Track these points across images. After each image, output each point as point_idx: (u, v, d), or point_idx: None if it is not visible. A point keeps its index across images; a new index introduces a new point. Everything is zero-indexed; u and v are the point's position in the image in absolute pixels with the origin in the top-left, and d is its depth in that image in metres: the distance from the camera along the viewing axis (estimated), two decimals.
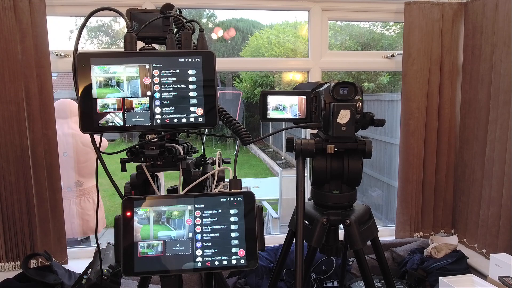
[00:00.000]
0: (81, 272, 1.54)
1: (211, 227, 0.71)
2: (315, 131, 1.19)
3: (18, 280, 1.53)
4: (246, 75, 9.24)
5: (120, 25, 9.89)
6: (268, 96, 1.12)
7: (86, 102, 0.68)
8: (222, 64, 2.02)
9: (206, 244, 0.70)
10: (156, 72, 0.69)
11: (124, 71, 0.68)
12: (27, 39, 1.63)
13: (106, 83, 0.68)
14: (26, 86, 1.66)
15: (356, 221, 1.06)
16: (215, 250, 0.70)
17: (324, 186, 1.10)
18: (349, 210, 1.11)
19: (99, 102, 0.68)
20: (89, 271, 1.43)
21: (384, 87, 5.35)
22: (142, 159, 0.80)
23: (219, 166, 0.94)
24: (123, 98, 0.68)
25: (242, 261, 0.71)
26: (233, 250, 0.71)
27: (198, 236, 0.70)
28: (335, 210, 1.09)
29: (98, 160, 0.80)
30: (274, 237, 2.27)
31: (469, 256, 1.89)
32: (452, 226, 2.16)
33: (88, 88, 0.67)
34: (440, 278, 1.61)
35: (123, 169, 0.81)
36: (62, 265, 1.73)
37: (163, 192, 0.97)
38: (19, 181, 1.69)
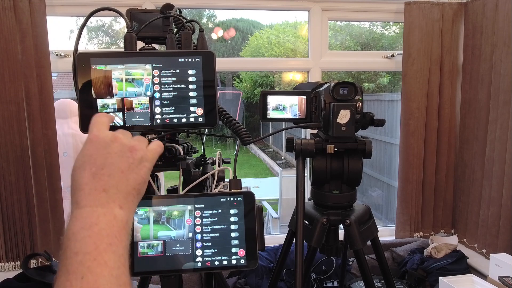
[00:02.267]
0: None
1: (211, 227, 0.71)
2: (315, 131, 1.19)
3: (18, 280, 1.53)
4: (246, 75, 9.24)
5: (120, 25, 9.89)
6: (268, 96, 1.12)
7: (86, 102, 0.68)
8: (222, 64, 2.02)
9: (206, 244, 0.70)
10: (156, 72, 0.69)
11: None
12: (27, 39, 1.63)
13: None
14: (26, 86, 1.66)
15: (356, 221, 1.06)
16: (215, 250, 0.70)
17: (324, 186, 1.10)
18: (349, 210, 1.11)
19: (99, 102, 0.68)
20: None
21: (384, 87, 5.35)
22: None
23: (219, 166, 0.94)
24: (123, 98, 0.68)
25: (242, 261, 0.71)
26: (233, 250, 0.71)
27: (198, 236, 0.70)
28: (335, 210, 1.09)
29: None
30: (274, 237, 2.27)
31: (469, 256, 1.89)
32: (452, 226, 2.16)
33: (88, 88, 0.67)
34: (440, 278, 1.61)
35: None
36: None
37: (163, 192, 0.97)
38: (19, 181, 1.69)
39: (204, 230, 0.71)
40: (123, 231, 0.44)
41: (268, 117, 1.13)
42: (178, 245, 0.70)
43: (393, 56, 2.09)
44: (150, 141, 0.56)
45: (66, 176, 2.36)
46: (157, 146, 0.53)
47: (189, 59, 0.69)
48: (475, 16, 1.93)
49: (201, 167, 0.93)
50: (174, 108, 0.69)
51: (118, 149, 0.48)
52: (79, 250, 0.40)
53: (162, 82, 0.69)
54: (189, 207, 0.71)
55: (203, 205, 0.71)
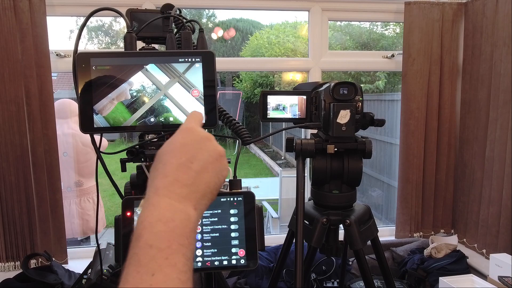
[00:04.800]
0: (81, 272, 1.54)
1: (211, 227, 0.71)
2: (315, 131, 1.19)
3: (18, 280, 1.53)
4: (246, 75, 9.23)
5: (120, 25, 9.89)
6: (268, 96, 1.12)
7: (86, 102, 0.68)
8: (222, 64, 2.02)
9: (206, 244, 0.70)
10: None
11: None
12: (27, 39, 1.63)
13: None
14: (26, 86, 1.66)
15: (356, 221, 1.06)
16: (215, 250, 0.70)
17: (324, 186, 1.10)
18: (349, 210, 1.11)
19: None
20: (89, 271, 1.43)
21: (383, 88, 5.34)
22: (142, 159, 0.80)
23: None
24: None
25: (242, 261, 0.71)
26: (233, 250, 0.71)
27: (198, 236, 0.70)
28: (335, 210, 1.09)
29: (98, 160, 0.80)
30: (274, 237, 2.27)
31: (469, 256, 1.89)
32: (452, 226, 2.16)
33: (88, 88, 0.67)
34: (440, 278, 1.61)
35: (123, 169, 0.81)
36: (62, 265, 1.73)
37: None
38: (19, 181, 1.69)
39: (204, 230, 0.71)
40: (193, 233, 0.43)
41: (268, 117, 1.13)
42: None
43: (393, 56, 2.09)
44: None
45: (66, 176, 2.36)
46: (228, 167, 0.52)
47: (189, 59, 0.69)
48: (475, 16, 1.93)
49: None
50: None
51: (211, 148, 0.47)
52: (153, 243, 0.39)
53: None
54: None
55: None
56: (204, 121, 0.54)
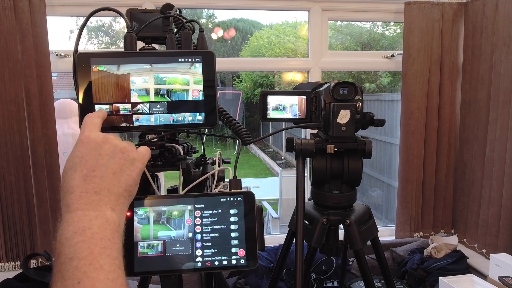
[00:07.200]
0: None
1: (211, 227, 0.71)
2: (315, 131, 1.19)
3: (18, 280, 1.53)
4: (246, 75, 9.24)
5: (120, 25, 9.89)
6: (268, 96, 1.12)
7: (86, 102, 0.68)
8: (222, 64, 2.02)
9: (206, 244, 0.70)
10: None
11: None
12: (27, 39, 1.63)
13: None
14: (26, 86, 1.66)
15: (356, 221, 1.06)
16: (215, 250, 0.70)
17: (324, 186, 1.10)
18: (349, 210, 1.11)
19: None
20: None
21: (384, 87, 5.34)
22: None
23: (219, 166, 0.94)
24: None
25: (242, 261, 0.71)
26: (233, 250, 0.71)
27: (198, 236, 0.70)
28: (335, 210, 1.09)
29: None
30: (274, 237, 2.27)
31: (469, 256, 1.89)
32: (452, 226, 2.16)
33: (88, 89, 0.67)
34: (440, 278, 1.61)
35: None
36: None
37: (163, 192, 0.97)
38: (19, 181, 1.69)
39: (204, 230, 0.71)
40: (116, 233, 0.44)
41: (268, 117, 1.13)
42: (178, 245, 0.70)
43: (393, 56, 2.09)
44: (137, 146, 0.56)
45: None
46: (145, 150, 0.53)
47: (189, 59, 0.69)
48: (475, 16, 1.93)
49: (201, 167, 0.93)
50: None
51: (110, 150, 0.48)
52: (73, 255, 0.39)
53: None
54: (189, 207, 0.71)
55: (203, 205, 0.71)
56: (105, 115, 0.57)
